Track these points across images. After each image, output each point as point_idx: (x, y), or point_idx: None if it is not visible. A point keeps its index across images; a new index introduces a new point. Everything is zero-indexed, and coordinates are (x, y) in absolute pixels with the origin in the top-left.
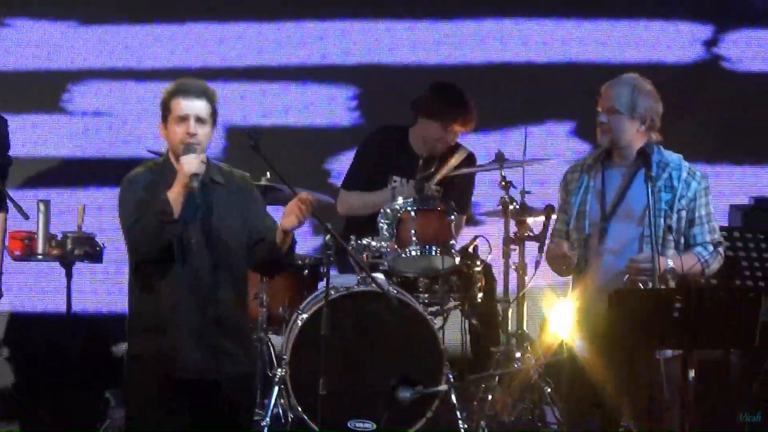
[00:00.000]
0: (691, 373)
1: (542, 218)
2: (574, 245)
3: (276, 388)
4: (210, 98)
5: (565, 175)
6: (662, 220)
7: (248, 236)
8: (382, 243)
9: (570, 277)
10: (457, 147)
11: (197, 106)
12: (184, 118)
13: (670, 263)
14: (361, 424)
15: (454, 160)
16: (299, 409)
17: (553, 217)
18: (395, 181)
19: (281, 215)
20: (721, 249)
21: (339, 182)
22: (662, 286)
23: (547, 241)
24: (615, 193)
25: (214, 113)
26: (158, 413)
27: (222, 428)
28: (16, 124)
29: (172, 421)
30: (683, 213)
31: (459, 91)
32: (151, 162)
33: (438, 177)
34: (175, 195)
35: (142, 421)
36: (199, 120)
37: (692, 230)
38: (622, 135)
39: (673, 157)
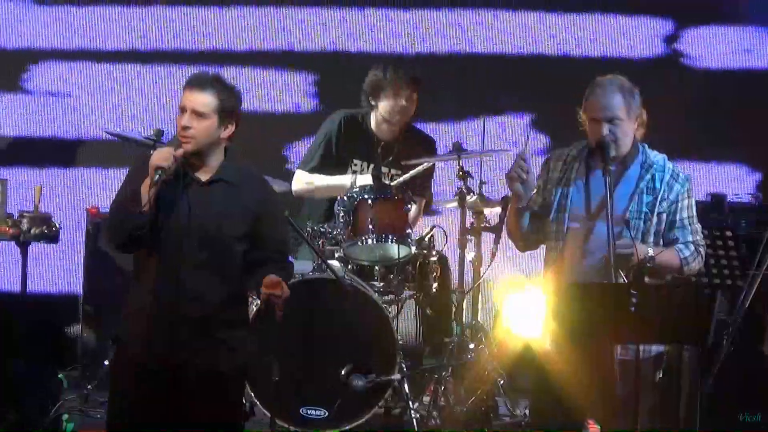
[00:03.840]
0: (659, 374)
1: (499, 210)
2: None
3: None
4: (219, 91)
5: (549, 160)
6: (642, 222)
7: (249, 242)
8: (339, 230)
9: (532, 267)
10: (416, 134)
11: (196, 99)
12: (182, 110)
13: (650, 251)
14: (313, 411)
15: (413, 145)
16: (252, 395)
17: None
18: (356, 165)
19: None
20: (702, 251)
21: (294, 166)
22: (640, 274)
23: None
24: (602, 193)
25: (222, 108)
26: (132, 396)
27: (195, 422)
28: None
29: (145, 405)
30: (663, 216)
31: (400, 65)
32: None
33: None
34: (144, 187)
35: (119, 400)
36: (196, 113)
37: (673, 232)
38: (627, 140)
39: (658, 158)
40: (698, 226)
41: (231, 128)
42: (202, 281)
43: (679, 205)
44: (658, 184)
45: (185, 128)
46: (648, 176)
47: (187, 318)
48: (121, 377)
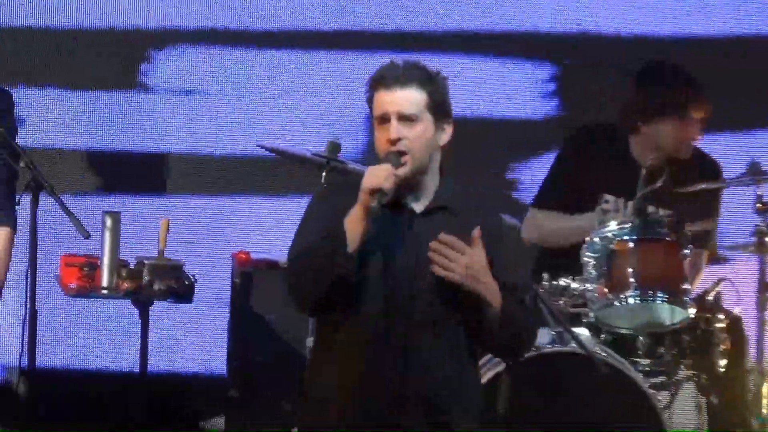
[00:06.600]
0: None
1: None
2: None
3: None
4: (424, 82)
5: None
6: None
7: None
8: (588, 285)
9: None
10: (694, 155)
11: (399, 99)
12: (383, 119)
13: None
14: None
15: (690, 171)
16: None
17: None
18: (607, 201)
19: None
20: None
21: (529, 198)
22: None
23: None
24: None
25: (435, 103)
26: None
27: None
28: (73, 105)
29: None
30: None
31: (677, 67)
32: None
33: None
34: (352, 220)
35: None
36: (404, 118)
37: None
38: None
39: None
40: None
41: (449, 131)
42: (434, 348)
43: None
44: None
45: (396, 141)
46: None
47: (407, 401)
48: None
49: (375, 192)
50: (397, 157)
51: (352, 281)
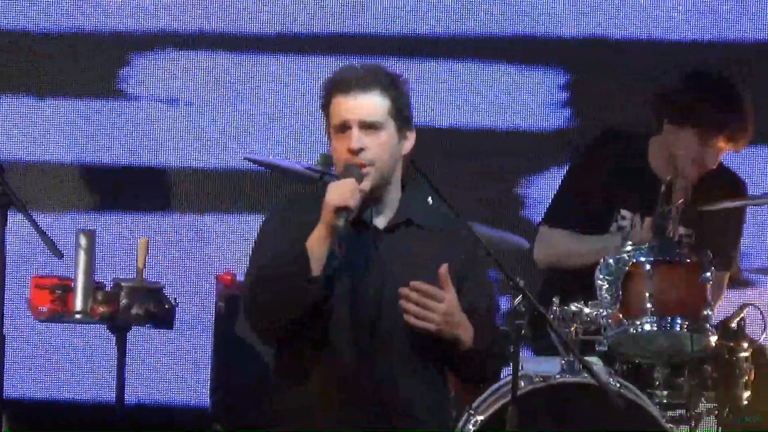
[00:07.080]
0: None
1: None
2: None
3: None
4: (386, 88)
5: None
6: None
7: None
8: (601, 311)
9: None
10: (717, 169)
11: (361, 106)
12: (343, 127)
13: None
14: None
15: (712, 187)
16: None
17: None
18: (624, 218)
19: None
20: None
21: (538, 215)
22: None
23: None
24: None
25: (396, 111)
26: None
27: None
28: (45, 113)
29: None
30: None
31: (728, 84)
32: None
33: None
34: (316, 240)
35: None
36: (367, 126)
37: None
38: None
39: None
40: None
41: (412, 139)
42: (404, 381)
43: None
44: None
45: (358, 151)
46: None
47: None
48: None
49: (340, 210)
50: (359, 170)
51: (322, 306)
